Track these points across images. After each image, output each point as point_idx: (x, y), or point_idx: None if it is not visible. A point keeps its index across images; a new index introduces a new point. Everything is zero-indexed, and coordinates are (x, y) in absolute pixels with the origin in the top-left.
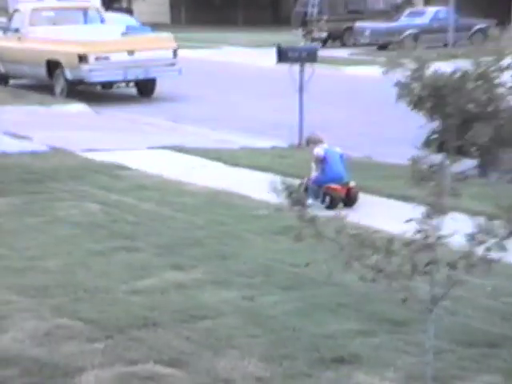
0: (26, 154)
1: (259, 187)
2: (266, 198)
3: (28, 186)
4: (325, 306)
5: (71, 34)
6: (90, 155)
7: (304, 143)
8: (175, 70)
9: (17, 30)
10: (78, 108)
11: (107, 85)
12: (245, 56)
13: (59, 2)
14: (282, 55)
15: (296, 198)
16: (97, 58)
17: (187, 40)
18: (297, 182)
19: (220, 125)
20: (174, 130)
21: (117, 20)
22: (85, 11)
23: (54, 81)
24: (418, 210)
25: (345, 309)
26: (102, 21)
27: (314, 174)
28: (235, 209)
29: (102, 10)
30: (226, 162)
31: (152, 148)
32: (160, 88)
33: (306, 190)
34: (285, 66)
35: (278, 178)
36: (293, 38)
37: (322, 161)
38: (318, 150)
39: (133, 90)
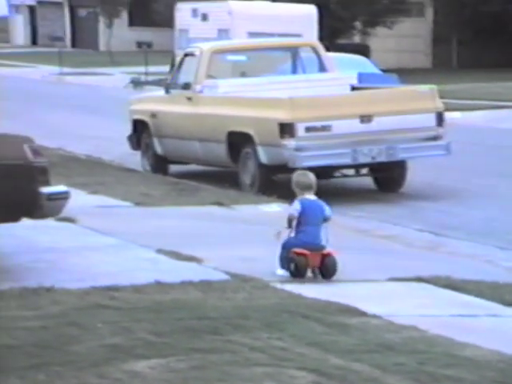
0: (192, 285)
1: None
2: None
3: (197, 340)
4: None
5: (269, 90)
6: (295, 288)
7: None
8: (440, 146)
9: (186, 86)
10: (277, 210)
11: (324, 172)
12: None
13: (254, 39)
14: None
15: None
16: (309, 129)
17: (460, 95)
18: None
19: None
20: (434, 249)
21: (344, 64)
22: (294, 52)
23: (240, 166)
24: None
25: None
26: (323, 67)
27: (286, 234)
28: None
29: (321, 48)
30: None
31: (397, 279)
32: (412, 176)
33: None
34: None
35: None
36: None
37: (295, 220)
38: (295, 207)
39: (366, 181)
